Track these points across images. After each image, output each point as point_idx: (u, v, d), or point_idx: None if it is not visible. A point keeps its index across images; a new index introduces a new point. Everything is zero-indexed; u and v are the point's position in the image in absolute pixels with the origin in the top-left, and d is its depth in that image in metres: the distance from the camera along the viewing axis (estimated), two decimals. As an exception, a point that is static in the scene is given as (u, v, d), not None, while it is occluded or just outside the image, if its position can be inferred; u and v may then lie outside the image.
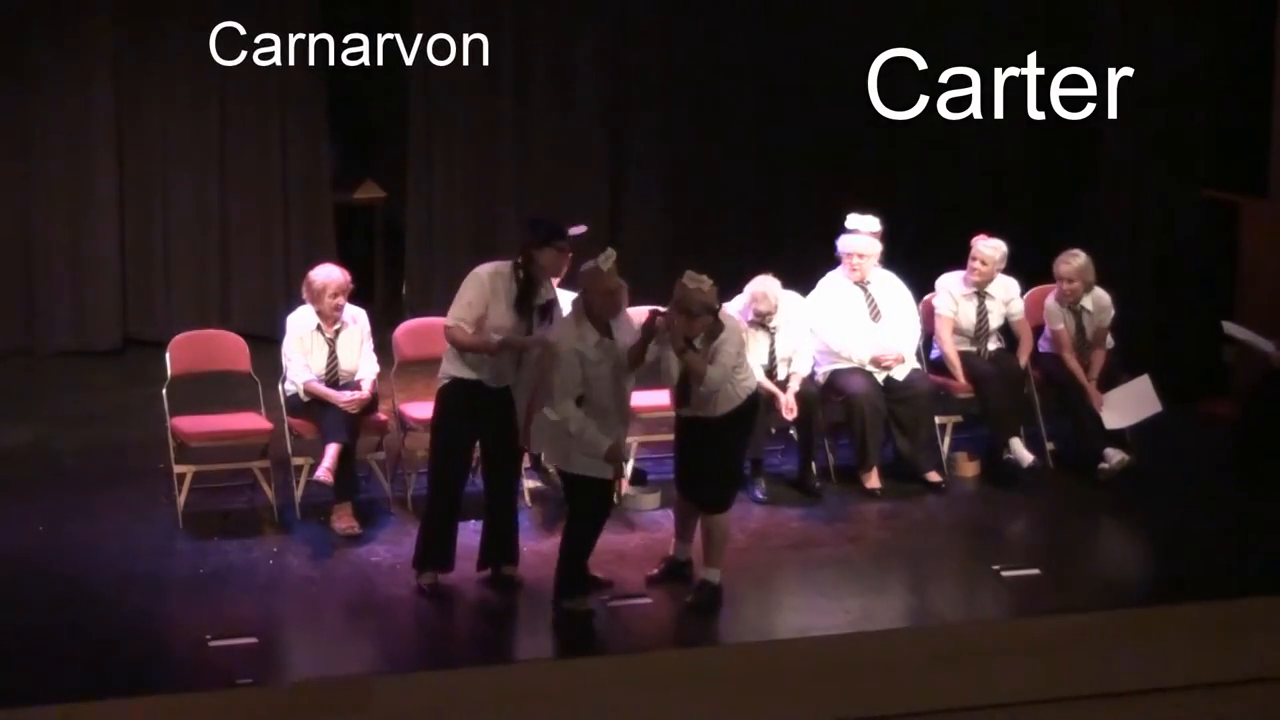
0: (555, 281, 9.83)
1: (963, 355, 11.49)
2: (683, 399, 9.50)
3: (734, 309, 10.64)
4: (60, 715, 8.21)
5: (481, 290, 9.58)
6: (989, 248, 11.47)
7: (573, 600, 9.27)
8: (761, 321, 10.95)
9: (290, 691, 8.61)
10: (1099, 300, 11.59)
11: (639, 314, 9.56)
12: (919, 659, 9.02)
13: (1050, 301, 11.60)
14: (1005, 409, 11.35)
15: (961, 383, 11.42)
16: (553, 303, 9.68)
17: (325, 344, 10.53)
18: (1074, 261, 11.50)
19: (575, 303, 9.33)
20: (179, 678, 8.69)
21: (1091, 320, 11.55)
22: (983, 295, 11.51)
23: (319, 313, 10.52)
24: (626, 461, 10.77)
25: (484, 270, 9.68)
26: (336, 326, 10.55)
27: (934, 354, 11.61)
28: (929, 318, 11.58)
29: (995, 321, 11.57)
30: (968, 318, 11.53)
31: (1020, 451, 11.26)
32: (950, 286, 11.55)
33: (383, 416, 10.73)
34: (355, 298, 10.78)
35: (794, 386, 10.93)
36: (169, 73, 13.55)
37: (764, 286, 10.95)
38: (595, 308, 9.22)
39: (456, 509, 9.77)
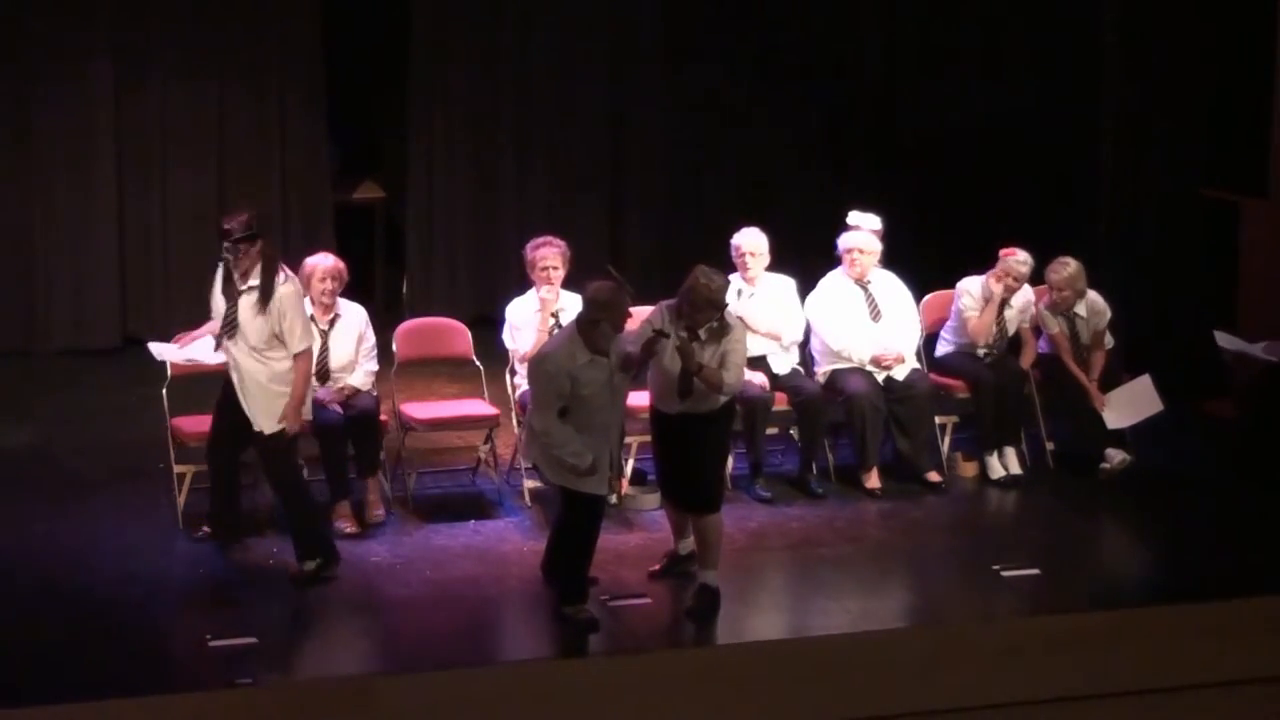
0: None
1: (962, 358, 11.46)
2: (684, 393, 9.47)
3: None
4: (60, 715, 8.21)
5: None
6: (1022, 264, 11.32)
7: (573, 607, 9.26)
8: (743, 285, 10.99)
9: (290, 691, 8.61)
10: (1093, 305, 11.53)
11: (639, 311, 9.57)
12: (919, 659, 9.01)
13: (1042, 307, 11.54)
14: (993, 424, 11.29)
15: (985, 320, 11.29)
16: (255, 288, 9.67)
17: (318, 335, 10.45)
18: (1064, 271, 11.42)
19: (572, 321, 9.27)
20: (179, 678, 8.68)
21: (1086, 325, 11.50)
22: (1002, 305, 11.43)
23: (311, 299, 10.46)
24: (626, 462, 10.80)
25: None
26: (330, 316, 10.52)
27: (934, 354, 11.59)
28: (927, 318, 11.55)
29: (1010, 330, 11.51)
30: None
31: (994, 464, 11.25)
32: (972, 289, 11.44)
33: (383, 417, 10.72)
34: (355, 297, 10.78)
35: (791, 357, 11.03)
36: (168, 72, 13.54)
37: (744, 235, 11.10)
38: (602, 330, 9.11)
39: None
